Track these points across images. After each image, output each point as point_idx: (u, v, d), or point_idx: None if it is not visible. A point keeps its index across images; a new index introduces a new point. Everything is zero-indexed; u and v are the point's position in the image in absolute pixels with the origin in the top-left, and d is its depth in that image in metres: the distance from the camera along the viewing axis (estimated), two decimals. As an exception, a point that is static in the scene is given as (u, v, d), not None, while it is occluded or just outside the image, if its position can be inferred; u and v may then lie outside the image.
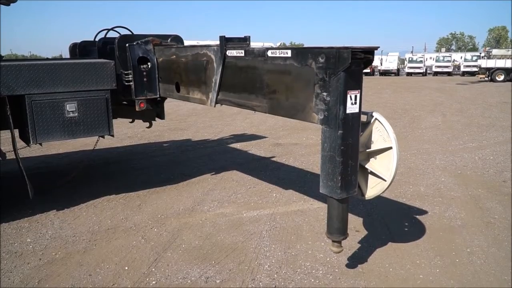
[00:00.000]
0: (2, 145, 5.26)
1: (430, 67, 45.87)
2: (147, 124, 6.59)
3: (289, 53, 3.30)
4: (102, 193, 5.55)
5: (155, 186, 5.86)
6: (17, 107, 4.59)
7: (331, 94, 2.95)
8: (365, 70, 3.19)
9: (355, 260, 3.77)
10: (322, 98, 3.01)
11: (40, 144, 4.92)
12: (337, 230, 3.32)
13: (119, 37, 5.18)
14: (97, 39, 5.93)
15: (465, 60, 43.72)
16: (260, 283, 3.41)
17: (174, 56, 4.98)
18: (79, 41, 6.42)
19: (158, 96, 5.34)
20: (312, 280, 3.46)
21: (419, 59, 45.44)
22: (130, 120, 6.55)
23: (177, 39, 5.52)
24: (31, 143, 4.64)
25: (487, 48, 40.94)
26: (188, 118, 12.71)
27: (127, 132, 10.01)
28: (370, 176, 3.39)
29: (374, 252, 3.93)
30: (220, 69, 4.17)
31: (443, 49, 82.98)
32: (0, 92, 4.33)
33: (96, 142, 6.25)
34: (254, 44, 4.50)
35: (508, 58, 32.28)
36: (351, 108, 2.98)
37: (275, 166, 7.03)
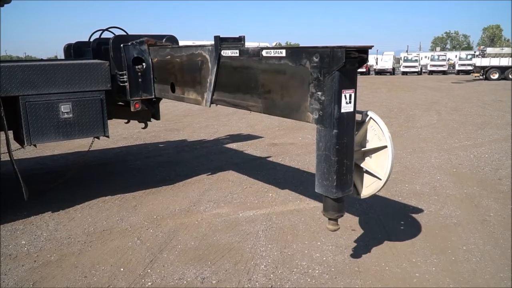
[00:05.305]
0: (-4, 146, 5.23)
1: (425, 66, 46.13)
2: (143, 124, 6.57)
3: (283, 53, 3.30)
4: (98, 194, 5.52)
5: (151, 187, 5.84)
6: (12, 108, 4.56)
7: (326, 93, 2.95)
8: (360, 69, 3.19)
9: (351, 259, 3.77)
10: (317, 97, 3.01)
11: (35, 145, 4.89)
12: (333, 207, 3.26)
13: (114, 37, 5.16)
14: (91, 40, 5.91)
15: (460, 59, 44.06)
16: (257, 283, 3.41)
17: (169, 57, 4.97)
18: (73, 42, 6.39)
19: (153, 96, 5.33)
20: (309, 280, 3.46)
21: (414, 58, 45.69)
22: (126, 120, 6.53)
23: (172, 39, 5.50)
24: (26, 144, 4.61)
25: (482, 47, 41.26)
26: (184, 118, 12.69)
27: (122, 133, 9.98)
28: (365, 175, 3.39)
29: (370, 251, 3.93)
30: (215, 69, 4.16)
31: (438, 48, 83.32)
32: None
33: (91, 143, 6.23)
34: (250, 44, 4.49)
35: (502, 57, 32.51)
36: (346, 107, 2.98)
37: (271, 166, 7.02)
